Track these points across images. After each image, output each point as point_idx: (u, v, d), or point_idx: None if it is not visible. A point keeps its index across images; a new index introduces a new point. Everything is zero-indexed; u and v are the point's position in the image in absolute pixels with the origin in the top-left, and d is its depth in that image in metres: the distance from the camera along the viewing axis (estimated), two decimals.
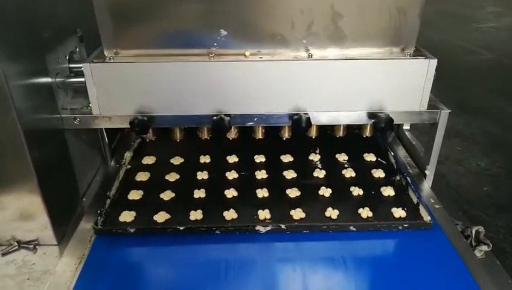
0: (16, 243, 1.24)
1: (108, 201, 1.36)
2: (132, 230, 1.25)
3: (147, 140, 1.62)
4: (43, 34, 1.25)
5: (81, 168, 1.47)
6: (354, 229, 1.27)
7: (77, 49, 1.47)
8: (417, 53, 1.34)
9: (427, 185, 1.51)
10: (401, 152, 1.71)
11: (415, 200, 1.37)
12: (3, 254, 1.22)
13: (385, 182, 1.48)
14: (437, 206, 1.40)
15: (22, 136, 1.09)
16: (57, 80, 1.32)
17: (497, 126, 3.85)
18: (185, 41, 1.30)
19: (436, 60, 1.31)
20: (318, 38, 1.30)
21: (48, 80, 1.27)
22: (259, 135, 1.58)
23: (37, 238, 1.25)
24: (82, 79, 1.31)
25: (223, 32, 1.28)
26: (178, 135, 1.58)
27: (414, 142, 1.64)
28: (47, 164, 1.22)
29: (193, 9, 1.26)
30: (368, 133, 1.60)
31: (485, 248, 1.25)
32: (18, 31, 1.11)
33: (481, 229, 1.29)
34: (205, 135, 1.58)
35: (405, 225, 1.28)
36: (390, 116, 1.35)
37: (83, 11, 1.37)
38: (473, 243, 1.27)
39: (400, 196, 1.41)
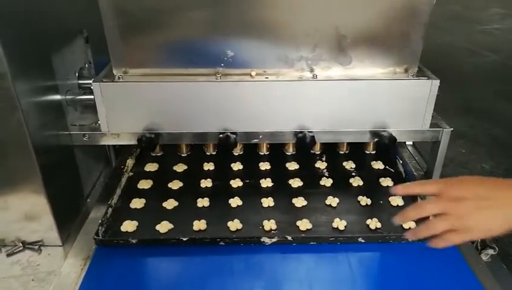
0: (21, 244, 1.25)
1: (110, 210, 1.34)
2: (134, 241, 1.23)
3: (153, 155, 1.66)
4: (50, 39, 1.25)
5: (86, 169, 1.48)
6: (363, 240, 1.25)
7: (86, 66, 1.50)
8: (420, 73, 1.37)
9: None
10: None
11: None
12: (8, 255, 1.23)
13: None
14: None
15: (28, 138, 1.10)
16: (67, 97, 1.34)
17: (502, 128, 3.84)
18: (192, 61, 1.32)
19: (438, 81, 1.33)
20: (323, 59, 1.33)
21: (58, 97, 1.30)
22: (264, 150, 1.61)
23: (42, 239, 1.26)
24: (91, 96, 1.34)
25: (230, 52, 1.31)
26: (184, 150, 1.62)
27: (417, 158, 1.66)
28: (52, 165, 1.23)
29: (201, 31, 1.29)
30: (371, 150, 1.63)
31: (491, 251, 1.25)
32: (27, 43, 1.13)
33: None
34: (211, 150, 1.62)
35: None
36: (393, 134, 1.38)
37: (89, 13, 1.38)
38: (479, 247, 1.27)
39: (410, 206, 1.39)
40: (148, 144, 1.36)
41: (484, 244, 1.27)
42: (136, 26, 1.28)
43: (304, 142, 1.37)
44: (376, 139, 1.39)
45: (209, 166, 1.58)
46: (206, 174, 1.54)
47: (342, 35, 1.29)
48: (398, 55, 1.33)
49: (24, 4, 1.12)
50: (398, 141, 1.38)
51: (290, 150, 1.62)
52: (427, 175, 1.54)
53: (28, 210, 1.21)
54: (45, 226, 1.23)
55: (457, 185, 0.95)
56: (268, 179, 1.50)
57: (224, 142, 1.36)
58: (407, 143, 1.73)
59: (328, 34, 1.29)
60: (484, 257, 1.24)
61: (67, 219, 1.32)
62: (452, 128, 1.41)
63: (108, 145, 1.63)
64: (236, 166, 1.58)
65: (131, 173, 1.55)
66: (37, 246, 1.25)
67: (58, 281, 1.14)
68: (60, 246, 1.27)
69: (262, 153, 1.65)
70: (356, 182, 1.50)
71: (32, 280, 1.17)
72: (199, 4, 1.25)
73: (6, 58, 1.01)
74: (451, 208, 0.92)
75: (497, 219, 0.91)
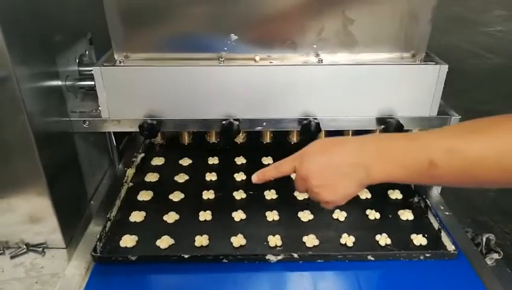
0: (25, 246, 1.24)
1: (108, 223, 1.29)
2: (134, 258, 1.17)
3: (156, 143, 1.63)
4: (53, 36, 1.25)
5: (89, 171, 1.47)
6: (372, 258, 1.19)
7: (87, 52, 1.47)
8: (428, 58, 1.34)
9: (436, 191, 1.49)
10: None
11: (436, 225, 1.29)
12: (11, 257, 1.22)
13: (403, 204, 1.40)
14: (447, 213, 1.38)
15: (32, 139, 1.09)
16: (67, 83, 1.32)
17: None
18: (195, 45, 1.29)
19: (446, 66, 1.30)
20: (328, 43, 1.30)
21: (58, 83, 1.27)
22: (268, 139, 1.59)
23: (46, 241, 1.24)
24: (92, 82, 1.32)
25: (234, 36, 1.28)
26: (186, 139, 1.59)
27: None
28: (56, 166, 1.22)
29: (204, 14, 1.26)
30: None
31: (495, 255, 1.23)
32: (29, 33, 1.11)
33: (492, 236, 1.27)
34: (213, 139, 1.59)
35: (427, 255, 1.20)
36: (400, 121, 1.34)
37: (93, 14, 1.37)
38: (484, 251, 1.25)
39: (420, 220, 1.33)
40: (150, 130, 1.33)
41: (489, 248, 1.26)
42: (138, 8, 1.25)
43: (308, 129, 1.33)
44: (382, 126, 1.35)
45: (211, 176, 1.53)
46: (209, 185, 1.49)
47: (348, 19, 1.26)
48: (406, 39, 1.30)
49: (28, 7, 1.10)
50: (404, 128, 1.35)
51: (294, 139, 1.59)
52: None
53: (32, 212, 1.19)
54: (49, 228, 1.22)
55: (305, 163, 0.95)
56: (273, 191, 1.44)
57: (227, 129, 1.33)
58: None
59: (334, 17, 1.26)
60: (489, 261, 1.22)
61: (71, 221, 1.30)
62: (460, 116, 1.38)
63: (111, 145, 1.62)
64: (240, 176, 1.53)
65: (131, 184, 1.50)
66: (40, 249, 1.24)
67: (62, 284, 1.13)
68: (64, 248, 1.25)
69: (266, 163, 1.59)
70: (364, 194, 1.44)
71: (36, 282, 1.15)
72: None
73: (8, 52, 1.00)
74: (303, 186, 0.98)
75: (339, 192, 0.94)
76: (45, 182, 1.15)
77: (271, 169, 1.04)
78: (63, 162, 1.29)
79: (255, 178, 1.06)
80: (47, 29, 1.20)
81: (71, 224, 1.30)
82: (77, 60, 1.40)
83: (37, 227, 1.22)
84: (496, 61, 5.46)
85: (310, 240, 1.23)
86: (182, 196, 1.43)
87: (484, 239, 1.27)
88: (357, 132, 1.60)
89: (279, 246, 1.21)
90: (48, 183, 1.15)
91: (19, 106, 1.05)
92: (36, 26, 1.14)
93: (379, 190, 1.45)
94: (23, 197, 1.17)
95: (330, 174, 0.92)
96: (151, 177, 1.53)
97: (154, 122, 1.33)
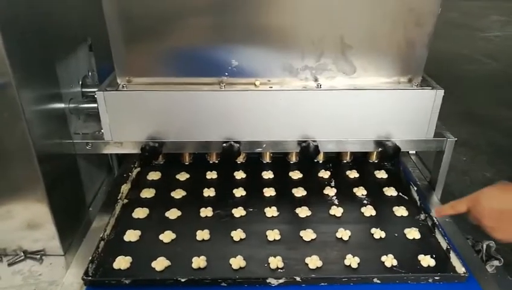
0: (23, 253, 1.23)
1: (102, 243, 1.22)
2: (127, 281, 1.11)
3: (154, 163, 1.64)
4: (54, 47, 1.25)
5: (88, 177, 1.47)
6: (378, 281, 1.13)
7: (90, 74, 1.49)
8: (424, 83, 1.37)
9: (435, 198, 1.49)
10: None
11: (444, 245, 1.23)
12: (9, 264, 1.22)
13: (409, 222, 1.34)
14: (447, 220, 1.35)
15: (32, 146, 1.10)
16: (71, 105, 1.34)
17: (503, 136, 3.85)
18: (196, 70, 1.33)
19: (442, 91, 1.33)
20: (327, 68, 1.33)
21: (62, 105, 1.29)
22: (267, 159, 1.61)
23: (44, 248, 1.24)
24: (95, 105, 1.33)
25: (234, 62, 1.31)
26: (187, 159, 1.61)
27: (420, 167, 1.65)
28: (55, 174, 1.22)
29: (205, 40, 1.30)
30: (374, 158, 1.63)
31: (496, 262, 1.24)
32: (33, 51, 1.12)
33: (492, 243, 1.27)
34: (214, 159, 1.61)
35: (436, 278, 1.13)
36: (397, 144, 1.37)
37: (93, 20, 1.38)
38: (484, 258, 1.25)
39: (427, 239, 1.27)
40: (152, 152, 1.35)
41: (489, 255, 1.26)
42: (141, 35, 1.28)
43: (307, 151, 1.36)
44: (380, 149, 1.38)
45: (209, 192, 1.47)
46: (207, 202, 1.43)
47: (347, 45, 1.29)
48: (403, 65, 1.34)
49: (29, 12, 1.12)
50: (402, 150, 1.37)
51: (293, 159, 1.62)
52: (431, 184, 1.54)
53: (30, 219, 1.20)
54: (47, 235, 1.22)
55: (479, 207, 1.06)
56: (274, 208, 1.38)
57: (228, 151, 1.35)
58: (410, 152, 1.73)
59: (333, 44, 1.29)
60: (489, 268, 1.23)
61: (69, 227, 1.30)
62: (456, 138, 1.41)
63: (111, 154, 1.62)
64: (239, 192, 1.47)
65: (126, 200, 1.44)
66: (38, 256, 1.24)
67: None
68: (62, 255, 1.25)
69: (266, 177, 1.56)
70: (368, 211, 1.38)
71: (34, 289, 1.15)
72: (204, 14, 1.26)
73: (11, 68, 1.01)
74: (479, 222, 1.07)
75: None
76: (44, 189, 1.15)
77: (447, 208, 1.17)
78: (62, 170, 1.29)
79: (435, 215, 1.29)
80: (47, 33, 1.21)
81: (69, 231, 1.30)
82: (80, 82, 1.42)
83: (35, 234, 1.21)
84: (494, 67, 5.49)
85: (313, 262, 1.17)
86: (179, 213, 1.37)
87: (484, 246, 1.28)
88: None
89: (281, 268, 1.16)
90: (46, 190, 1.15)
91: (18, 113, 1.06)
92: (36, 30, 1.14)
93: (384, 206, 1.41)
94: (22, 203, 1.18)
95: (502, 219, 1.02)
96: (147, 193, 1.47)
97: (156, 144, 1.36)
